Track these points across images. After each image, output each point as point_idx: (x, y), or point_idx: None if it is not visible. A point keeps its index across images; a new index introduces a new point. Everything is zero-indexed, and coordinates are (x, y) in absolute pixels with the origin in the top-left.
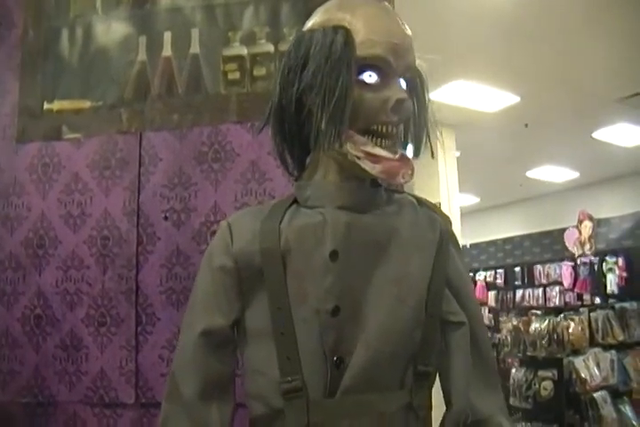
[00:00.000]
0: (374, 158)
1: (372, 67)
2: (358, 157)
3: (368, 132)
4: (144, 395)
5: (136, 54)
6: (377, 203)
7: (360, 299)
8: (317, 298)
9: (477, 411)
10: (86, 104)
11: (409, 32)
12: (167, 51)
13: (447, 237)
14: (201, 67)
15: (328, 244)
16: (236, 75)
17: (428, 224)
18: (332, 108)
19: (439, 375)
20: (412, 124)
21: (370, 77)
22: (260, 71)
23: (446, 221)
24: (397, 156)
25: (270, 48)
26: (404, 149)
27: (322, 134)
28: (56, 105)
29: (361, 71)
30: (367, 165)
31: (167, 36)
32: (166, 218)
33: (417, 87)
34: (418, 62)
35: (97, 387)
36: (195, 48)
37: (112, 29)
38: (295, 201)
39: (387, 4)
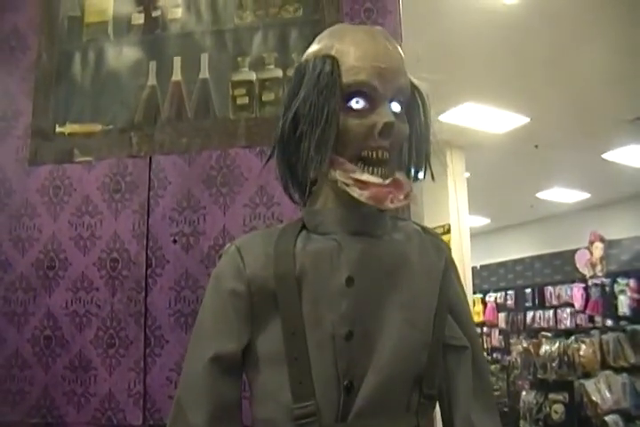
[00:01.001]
0: (362, 185)
1: (358, 93)
2: (347, 184)
3: (359, 158)
4: (152, 417)
5: (146, 79)
6: (385, 228)
7: (372, 324)
8: (333, 323)
9: None
10: (97, 127)
11: (399, 54)
12: (177, 75)
13: (449, 264)
14: (210, 91)
15: (344, 270)
16: (245, 100)
17: (434, 252)
18: (318, 136)
19: (439, 398)
20: (411, 146)
21: (357, 104)
22: (268, 96)
23: (448, 248)
24: (388, 181)
25: (279, 73)
26: (408, 171)
27: (308, 162)
28: (68, 128)
29: (349, 98)
30: (355, 192)
31: (177, 60)
32: (175, 241)
33: (415, 109)
34: (417, 83)
35: (105, 409)
36: (204, 73)
37: (123, 54)
38: (304, 227)
39: (379, 28)
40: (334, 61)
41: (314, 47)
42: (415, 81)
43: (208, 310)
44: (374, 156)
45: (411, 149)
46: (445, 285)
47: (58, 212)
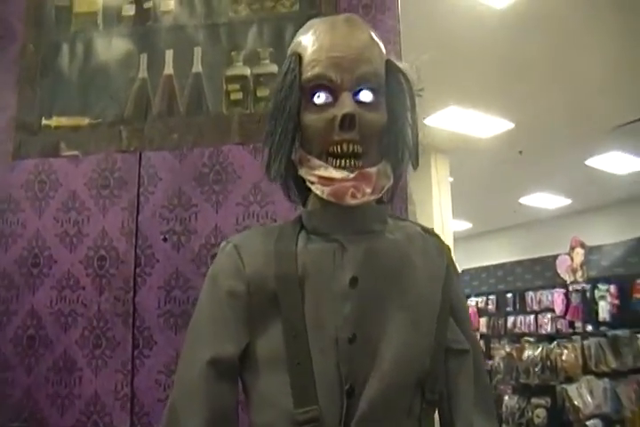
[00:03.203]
0: (325, 181)
1: (319, 87)
2: (312, 182)
3: (328, 153)
4: (139, 421)
5: (137, 72)
6: (385, 224)
7: (376, 326)
8: (336, 326)
9: None
10: (85, 121)
11: (363, 41)
12: (169, 69)
13: (451, 265)
14: (203, 86)
15: (348, 270)
16: (239, 95)
17: (436, 253)
18: (278, 136)
19: (439, 402)
20: (394, 135)
21: (318, 98)
22: (263, 92)
23: (449, 250)
24: (354, 174)
25: (274, 69)
26: (395, 162)
27: (271, 162)
28: (54, 121)
29: (313, 94)
30: (318, 189)
31: (169, 54)
32: (165, 239)
33: (397, 95)
34: (405, 67)
35: (90, 412)
36: (197, 67)
37: (113, 46)
38: (303, 227)
39: (350, 14)
40: (297, 58)
41: (292, 44)
42: (402, 65)
43: (204, 310)
44: (340, 150)
45: (394, 137)
46: (447, 287)
47: (43, 207)
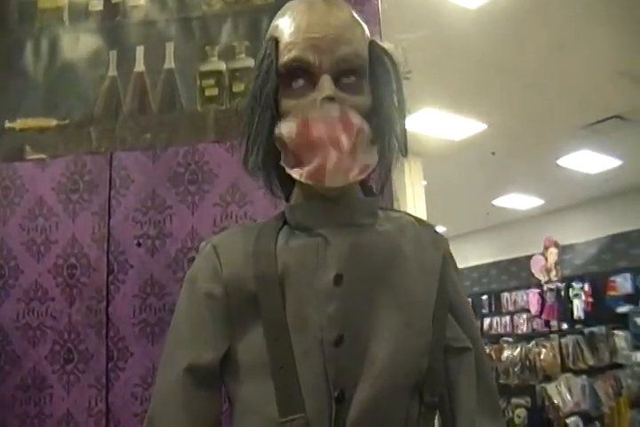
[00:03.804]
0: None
1: (296, 71)
2: (292, 167)
3: None
4: None
5: (106, 69)
6: (374, 217)
7: (364, 327)
8: (320, 327)
9: None
10: (52, 122)
11: (343, 20)
12: (140, 66)
13: (448, 258)
14: (176, 83)
15: (331, 266)
16: (214, 91)
17: (430, 245)
18: (255, 125)
19: (439, 403)
20: (380, 118)
21: (296, 83)
22: (239, 87)
23: (445, 241)
24: (335, 116)
25: (250, 63)
26: (382, 147)
27: (247, 153)
28: (19, 123)
29: (291, 78)
30: (297, 173)
31: (139, 50)
32: (139, 244)
33: (381, 76)
34: (389, 47)
35: None
36: (169, 63)
37: (80, 43)
38: (285, 223)
39: None
40: (273, 42)
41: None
42: (386, 46)
43: (182, 315)
44: None
45: (380, 121)
46: (444, 281)
47: (8, 215)
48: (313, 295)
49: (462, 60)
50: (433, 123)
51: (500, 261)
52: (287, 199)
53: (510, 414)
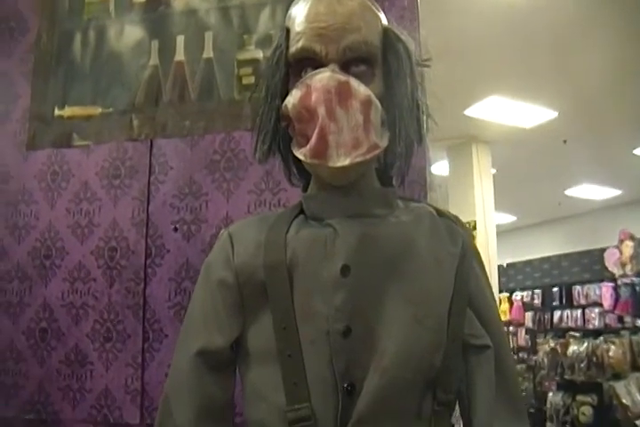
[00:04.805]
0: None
1: (305, 61)
2: (299, 147)
3: None
4: (149, 415)
5: (148, 59)
6: (390, 208)
7: (373, 319)
8: (327, 317)
9: None
10: (97, 110)
11: (351, 8)
12: (180, 55)
13: (470, 251)
14: (214, 71)
15: (339, 257)
16: (251, 79)
17: (448, 236)
18: (264, 115)
19: (459, 403)
20: (391, 105)
21: (305, 73)
22: None
23: (469, 234)
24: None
25: None
26: (394, 135)
27: (258, 143)
28: (67, 111)
29: (301, 68)
30: (301, 154)
31: (180, 39)
32: (176, 229)
33: (394, 65)
34: (404, 36)
35: (101, 406)
36: (208, 52)
37: (125, 33)
38: (302, 212)
39: None
40: (285, 33)
41: None
42: (400, 33)
43: (197, 301)
44: None
45: (392, 110)
46: (463, 274)
47: (55, 198)
48: (320, 286)
49: (531, 46)
50: (502, 110)
51: (571, 253)
52: (305, 189)
53: (575, 411)
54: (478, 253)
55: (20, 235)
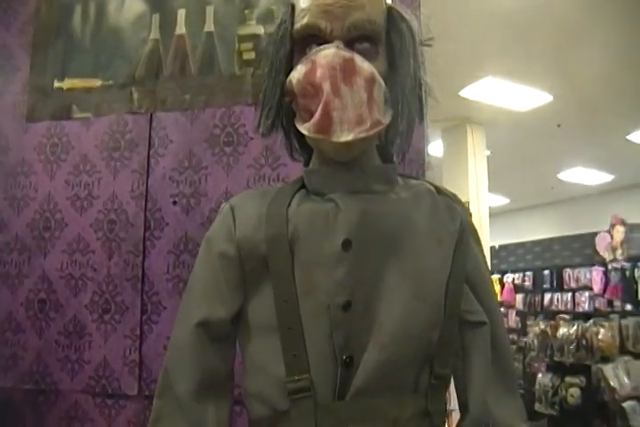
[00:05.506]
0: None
1: (310, 38)
2: (302, 121)
3: None
4: (147, 387)
5: (149, 32)
6: (391, 184)
7: (373, 294)
8: (328, 291)
9: (497, 419)
10: (97, 83)
11: None
12: (181, 29)
13: (468, 229)
14: (215, 46)
15: (340, 231)
16: (252, 54)
17: (447, 214)
18: (267, 90)
19: (454, 378)
20: (391, 85)
21: (310, 49)
22: None
23: (467, 212)
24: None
25: None
26: (397, 113)
27: (261, 117)
28: (66, 83)
29: (305, 45)
30: (305, 129)
31: (181, 13)
32: (175, 203)
33: (397, 43)
34: (407, 15)
35: (99, 377)
36: (209, 26)
37: (125, 6)
38: (303, 186)
39: None
40: (290, 9)
41: None
42: (404, 13)
43: (198, 273)
44: None
45: (395, 88)
46: (461, 252)
47: (55, 170)
48: (321, 260)
49: (528, 28)
50: (497, 92)
51: (563, 237)
52: (307, 164)
53: (563, 392)
54: (476, 232)
55: (19, 206)
